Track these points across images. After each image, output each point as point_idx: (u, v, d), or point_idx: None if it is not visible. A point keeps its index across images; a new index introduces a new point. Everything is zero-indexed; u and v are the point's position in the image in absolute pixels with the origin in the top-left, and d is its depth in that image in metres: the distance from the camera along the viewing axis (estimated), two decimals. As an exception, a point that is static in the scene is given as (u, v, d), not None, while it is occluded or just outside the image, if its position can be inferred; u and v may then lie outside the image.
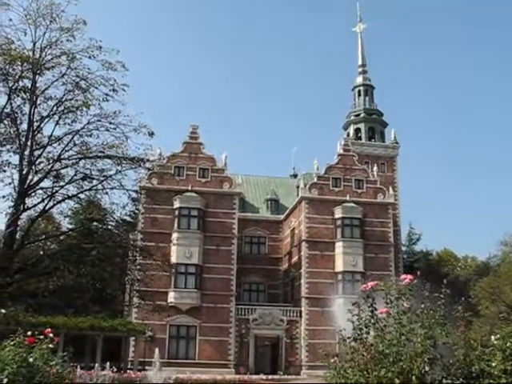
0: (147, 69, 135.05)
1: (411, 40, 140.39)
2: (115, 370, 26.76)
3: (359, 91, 66.85)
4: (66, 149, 21.87)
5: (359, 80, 67.27)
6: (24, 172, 20.88)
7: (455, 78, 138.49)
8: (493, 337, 6.55)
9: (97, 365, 25.12)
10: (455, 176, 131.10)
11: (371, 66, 69.27)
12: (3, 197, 20.56)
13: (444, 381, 6.01)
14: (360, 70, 67.91)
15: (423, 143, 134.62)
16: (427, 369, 5.83)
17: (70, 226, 45.88)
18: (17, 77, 20.69)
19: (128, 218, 52.79)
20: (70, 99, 21.62)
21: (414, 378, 5.77)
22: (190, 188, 48.40)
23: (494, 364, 5.98)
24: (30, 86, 21.17)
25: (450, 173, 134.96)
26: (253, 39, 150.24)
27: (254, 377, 34.80)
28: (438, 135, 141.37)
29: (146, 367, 34.78)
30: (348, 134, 63.04)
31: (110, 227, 30.84)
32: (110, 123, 21.50)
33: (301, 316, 48.11)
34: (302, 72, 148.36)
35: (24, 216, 24.64)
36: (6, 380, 6.81)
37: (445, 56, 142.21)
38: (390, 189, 53.00)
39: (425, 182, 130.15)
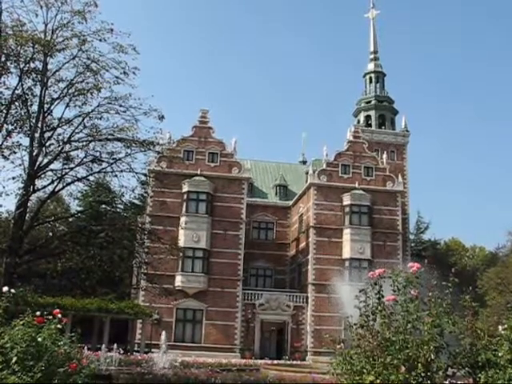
0: (158, 52, 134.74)
1: (424, 26, 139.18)
2: (122, 351, 26.93)
3: (370, 78, 66.26)
4: (76, 131, 21.85)
5: (370, 67, 66.70)
6: (34, 154, 20.88)
7: (468, 66, 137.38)
8: (500, 327, 6.56)
9: (104, 346, 25.24)
10: (465, 165, 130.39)
11: (383, 53, 68.82)
12: (13, 178, 20.62)
13: (450, 369, 6.03)
14: (371, 56, 67.27)
15: (434, 131, 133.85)
16: (433, 357, 5.85)
17: (79, 208, 46.28)
18: (28, 58, 20.62)
19: (137, 202, 53.08)
20: (81, 81, 21.56)
21: (419, 365, 5.79)
22: (198, 172, 48.46)
23: (500, 354, 5.99)
24: (41, 68, 21.11)
25: (460, 162, 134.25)
26: (264, 25, 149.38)
27: (259, 361, 34.90)
28: (449, 124, 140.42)
29: (153, 350, 35.07)
30: (358, 121, 62.79)
31: (118, 210, 31.03)
32: (121, 106, 21.41)
33: (307, 302, 48.29)
34: (313, 58, 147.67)
35: (34, 197, 24.81)
36: (15, 358, 6.90)
37: (458, 43, 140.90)
38: (399, 177, 52.86)
39: (434, 170, 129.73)
